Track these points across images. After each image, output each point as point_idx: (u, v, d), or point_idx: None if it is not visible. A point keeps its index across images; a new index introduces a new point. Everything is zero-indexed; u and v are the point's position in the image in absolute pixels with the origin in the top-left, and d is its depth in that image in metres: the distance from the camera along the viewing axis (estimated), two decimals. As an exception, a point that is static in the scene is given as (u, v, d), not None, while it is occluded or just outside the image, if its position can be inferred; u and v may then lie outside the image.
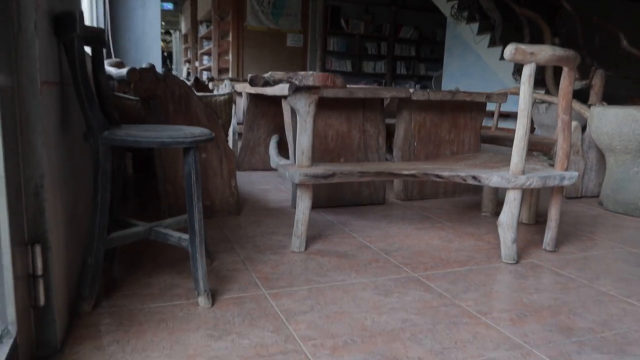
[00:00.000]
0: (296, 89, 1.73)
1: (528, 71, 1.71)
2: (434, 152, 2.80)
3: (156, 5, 4.18)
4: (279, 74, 1.68)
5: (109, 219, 1.51)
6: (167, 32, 14.52)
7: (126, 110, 2.24)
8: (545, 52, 1.70)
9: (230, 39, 8.33)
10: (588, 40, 6.68)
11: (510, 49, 1.69)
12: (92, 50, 1.46)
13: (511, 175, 1.75)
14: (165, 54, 15.42)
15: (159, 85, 2.12)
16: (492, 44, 6.50)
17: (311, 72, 1.61)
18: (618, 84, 6.68)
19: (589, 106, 3.36)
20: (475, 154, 2.46)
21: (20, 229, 0.96)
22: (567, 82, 1.87)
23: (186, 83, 2.18)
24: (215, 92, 4.29)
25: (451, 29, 7.37)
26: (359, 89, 2.45)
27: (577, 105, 3.35)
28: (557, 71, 5.61)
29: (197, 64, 10.53)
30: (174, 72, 14.45)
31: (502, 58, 6.35)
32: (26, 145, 0.97)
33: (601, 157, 3.05)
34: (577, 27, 6.65)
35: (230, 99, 2.35)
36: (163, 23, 14.02)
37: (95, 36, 1.46)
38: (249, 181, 3.29)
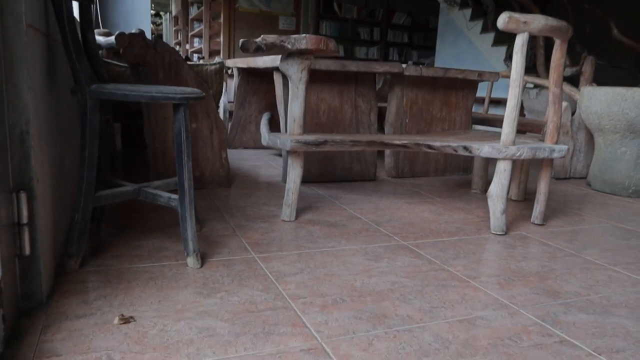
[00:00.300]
0: (289, 54, 1.71)
1: (521, 40, 1.71)
2: (426, 129, 2.80)
3: (145, -22, 4.10)
4: (271, 37, 1.65)
5: (97, 179, 1.49)
6: (157, 14, 14.33)
7: (115, 77, 2.21)
8: (539, 22, 1.70)
9: (221, 20, 8.24)
10: (579, 27, 6.70)
11: (503, 17, 1.69)
12: (80, 6, 1.43)
13: (502, 146, 1.75)
14: (155, 35, 15.25)
15: (149, 52, 2.08)
16: (484, 30, 6.49)
17: (304, 35, 1.59)
18: (608, 72, 6.73)
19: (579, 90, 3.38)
20: (466, 131, 2.46)
21: (5, 175, 0.94)
22: (558, 54, 1.87)
23: (176, 51, 2.15)
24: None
25: (444, 14, 7.35)
26: (352, 63, 2.43)
27: (567, 88, 3.37)
28: (548, 56, 5.63)
29: (187, 46, 10.41)
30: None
31: (494, 44, 6.36)
32: (11, 89, 0.95)
33: (590, 138, 3.07)
34: (568, 14, 6.67)
35: (221, 69, 2.32)
36: (153, 5, 13.82)
37: (83, -8, 1.42)
38: (240, 158, 3.27)
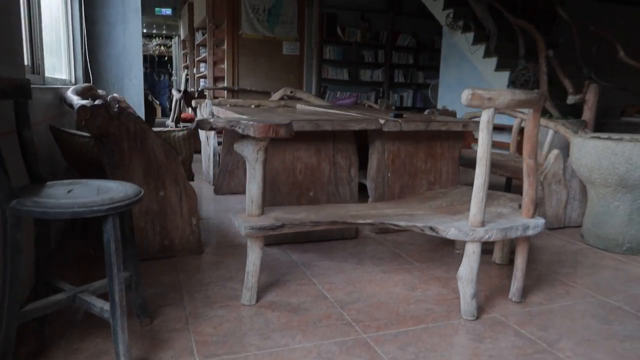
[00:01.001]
0: (242, 136, 1.65)
1: (486, 117, 1.62)
2: (409, 182, 2.71)
3: (137, 20, 4.11)
4: (221, 122, 1.59)
5: (37, 280, 1.44)
6: (168, 37, 14.50)
7: (78, 149, 2.17)
8: (504, 97, 1.61)
9: (225, 47, 8.26)
10: (585, 50, 6.53)
11: (466, 94, 1.60)
12: (15, 104, 1.39)
13: (469, 227, 1.66)
14: (166, 58, 15.43)
15: (113, 123, 2.04)
16: (487, 54, 6.37)
17: (252, 123, 1.52)
18: (614, 95, 6.53)
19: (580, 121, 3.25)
20: (447, 191, 2.36)
21: None
22: (532, 124, 1.77)
23: (141, 119, 2.10)
24: (198, 111, 4.21)
25: (447, 38, 7.25)
26: (326, 122, 2.36)
27: (562, 129, 3.24)
28: (552, 80, 5.47)
29: (194, 70, 10.48)
30: (173, 78, 14.44)
31: (497, 69, 6.23)
32: None
33: (584, 185, 2.94)
34: (574, 36, 6.50)
35: (189, 134, 2.27)
36: (164, 29, 14.00)
37: (17, 88, 1.38)
38: (225, 208, 3.21)
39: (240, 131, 1.57)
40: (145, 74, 15.73)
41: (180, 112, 6.08)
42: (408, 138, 2.66)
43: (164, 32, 14.10)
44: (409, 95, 9.14)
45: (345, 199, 2.58)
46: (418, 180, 2.73)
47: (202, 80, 9.89)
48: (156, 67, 15.70)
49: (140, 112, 4.27)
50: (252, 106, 4.32)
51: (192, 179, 2.54)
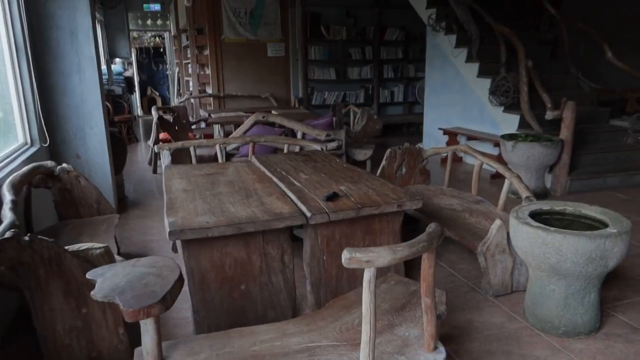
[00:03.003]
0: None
1: (368, 276, 1.59)
2: (347, 262, 2.69)
3: (93, 68, 4.08)
4: (99, 296, 1.60)
5: None
6: (161, 31, 14.33)
7: (-3, 277, 2.20)
8: (384, 258, 1.57)
9: (207, 53, 8.16)
10: (574, 49, 6.28)
11: (345, 257, 1.57)
12: None
13: (359, 380, 1.65)
14: (162, 49, 15.30)
15: (25, 252, 2.06)
16: (469, 58, 6.19)
17: (123, 307, 1.52)
18: (603, 98, 6.29)
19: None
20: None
21: None
22: (426, 265, 1.73)
23: (56, 244, 2.11)
24: (160, 157, 4.19)
25: (431, 37, 7.05)
26: (248, 224, 2.34)
27: (516, 182, 3.16)
28: (532, 88, 5.29)
29: (183, 71, 10.39)
30: (167, 72, 14.34)
31: (479, 75, 6.05)
32: None
33: (533, 250, 2.88)
34: (562, 33, 6.25)
35: (108, 251, 2.27)
36: (158, 19, 13.82)
37: None
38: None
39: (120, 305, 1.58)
40: (144, 65, 15.70)
41: (158, 134, 6.07)
42: (342, 219, 2.63)
43: (158, 23, 13.93)
44: (399, 90, 8.97)
45: (278, 287, 2.58)
46: (356, 258, 2.71)
47: (190, 82, 9.83)
48: (153, 58, 15.61)
49: (105, 158, 4.30)
50: (217, 147, 4.27)
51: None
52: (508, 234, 2.78)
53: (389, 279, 2.45)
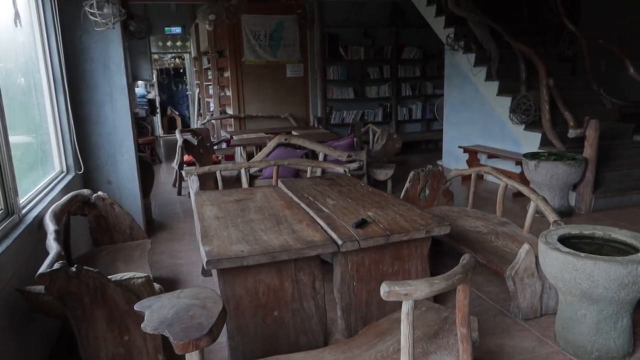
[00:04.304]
0: (175, 329, 1.72)
1: (406, 309, 1.64)
2: (377, 287, 2.70)
3: (124, 98, 4.22)
4: (149, 329, 1.67)
5: None
6: (181, 53, 14.66)
7: (44, 306, 2.30)
8: (422, 291, 1.62)
9: (229, 74, 8.34)
10: (595, 65, 6.28)
11: (384, 290, 1.62)
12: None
13: (398, 410, 1.69)
14: (181, 70, 15.63)
15: (72, 282, 2.15)
16: (488, 77, 6.23)
17: (173, 340, 1.59)
18: (624, 110, 6.27)
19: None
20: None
21: None
22: (462, 296, 1.77)
23: (101, 274, 2.20)
24: (188, 180, 4.29)
25: (449, 57, 7.12)
26: (282, 252, 2.41)
27: (542, 205, 3.18)
28: (553, 105, 5.30)
29: (204, 92, 10.60)
30: (187, 92, 14.62)
31: (499, 94, 6.08)
32: None
33: (562, 273, 2.89)
34: (583, 50, 6.25)
35: (148, 280, 2.36)
36: (178, 41, 14.15)
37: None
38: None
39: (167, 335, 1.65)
40: (163, 85, 16.01)
41: (182, 156, 6.21)
42: (372, 246, 2.68)
43: (178, 44, 14.25)
44: (417, 108, 9.03)
45: (310, 313, 2.63)
46: (386, 283, 2.75)
47: (211, 103, 10.02)
48: (173, 78, 15.94)
49: (135, 183, 4.43)
50: (242, 171, 4.37)
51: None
52: (536, 257, 2.80)
53: (419, 305, 2.48)
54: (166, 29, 11.85)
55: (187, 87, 13.86)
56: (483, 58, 6.33)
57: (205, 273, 3.69)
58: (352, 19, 8.44)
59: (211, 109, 9.70)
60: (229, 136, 7.42)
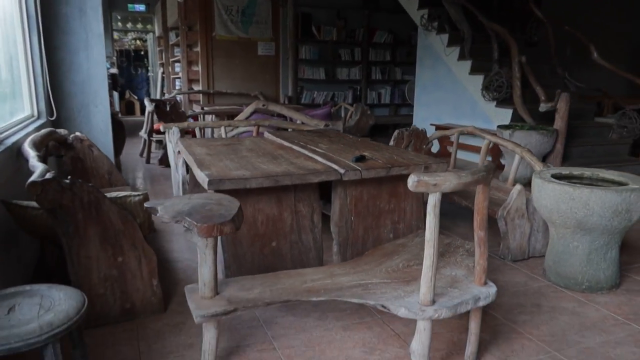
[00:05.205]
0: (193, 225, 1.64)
1: (433, 201, 1.63)
2: (374, 223, 2.72)
3: (100, 45, 4.02)
4: (167, 215, 1.58)
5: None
6: (143, 32, 14.22)
7: (32, 220, 2.14)
8: (450, 182, 1.62)
9: (199, 49, 8.14)
10: (560, 50, 6.55)
11: (412, 180, 1.60)
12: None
13: (419, 306, 1.68)
14: (142, 52, 15.15)
15: (65, 195, 2.01)
16: (461, 57, 6.36)
17: (195, 223, 1.51)
18: (590, 94, 6.58)
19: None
20: (407, 242, 2.39)
21: None
22: (481, 197, 1.78)
23: (96, 189, 2.07)
24: (167, 136, 4.15)
25: (422, 38, 7.22)
26: (285, 177, 2.35)
27: (527, 156, 3.27)
28: (525, 85, 5.48)
29: (170, 69, 10.31)
30: (149, 74, 14.20)
31: (471, 72, 6.23)
32: None
33: (548, 216, 2.98)
34: (549, 35, 6.50)
35: (145, 199, 2.25)
36: (139, 22, 13.71)
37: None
38: (194, 247, 3.20)
39: (185, 225, 1.57)
40: (122, 68, 15.47)
41: (152, 124, 5.99)
42: (370, 180, 2.66)
43: (139, 26, 13.82)
44: (386, 92, 9.12)
45: (308, 246, 2.59)
46: (382, 220, 2.74)
47: (177, 80, 9.75)
48: (133, 61, 15.42)
49: (108, 137, 4.23)
50: (222, 130, 4.27)
51: (154, 231, 2.52)
52: (527, 200, 2.87)
53: (421, 234, 2.49)
54: (129, 5, 11.45)
55: (150, 68, 13.44)
56: (456, 38, 6.47)
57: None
58: (326, -1, 8.44)
59: (177, 87, 9.43)
60: (201, 108, 7.23)
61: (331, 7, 8.48)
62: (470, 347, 1.90)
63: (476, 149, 5.69)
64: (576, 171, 2.78)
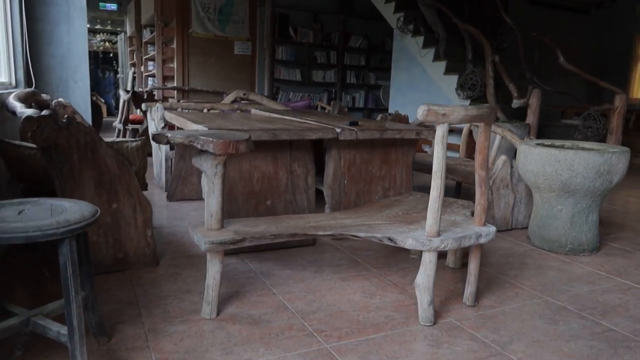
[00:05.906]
0: (201, 150, 1.63)
1: (441, 132, 1.67)
2: (365, 188, 2.75)
3: (82, 19, 3.95)
4: (179, 137, 1.57)
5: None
6: (113, 33, 13.99)
7: (24, 161, 2.07)
8: (458, 113, 1.67)
9: (174, 46, 8.07)
10: (529, 54, 6.84)
11: (422, 110, 1.65)
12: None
13: (426, 237, 1.71)
14: (111, 55, 14.88)
15: (61, 134, 1.96)
16: (436, 58, 6.55)
17: (211, 139, 1.51)
18: (556, 98, 6.89)
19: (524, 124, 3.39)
20: (402, 198, 2.43)
21: None
22: (483, 137, 1.84)
23: (93, 130, 2.03)
24: (149, 115, 4.10)
25: (398, 41, 7.40)
26: (283, 131, 2.36)
27: (508, 134, 3.39)
28: (498, 84, 5.71)
29: (142, 68, 10.16)
30: (119, 76, 13.95)
31: (446, 72, 6.42)
32: None
33: (530, 190, 3.09)
34: (517, 41, 6.80)
35: (143, 145, 2.21)
36: (109, 24, 13.49)
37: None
38: (179, 215, 3.15)
39: (199, 147, 1.55)
40: (89, 71, 15.12)
41: (128, 113, 5.89)
42: (363, 145, 2.70)
43: (108, 27, 13.59)
44: (360, 96, 9.26)
45: (302, 206, 2.59)
46: (374, 186, 2.78)
47: (150, 79, 9.61)
48: (101, 64, 15.12)
49: (87, 115, 4.12)
50: (205, 110, 4.26)
51: (146, 189, 2.47)
52: (512, 170, 2.97)
53: (414, 194, 2.54)
54: (100, 4, 11.28)
55: (120, 70, 13.20)
56: (431, 40, 6.68)
57: (171, 197, 3.50)
58: (303, 2, 8.54)
59: (150, 85, 9.29)
60: (176, 101, 7.15)
61: (308, 9, 8.59)
62: (470, 287, 1.94)
63: (455, 147, 5.84)
64: (557, 143, 2.90)
